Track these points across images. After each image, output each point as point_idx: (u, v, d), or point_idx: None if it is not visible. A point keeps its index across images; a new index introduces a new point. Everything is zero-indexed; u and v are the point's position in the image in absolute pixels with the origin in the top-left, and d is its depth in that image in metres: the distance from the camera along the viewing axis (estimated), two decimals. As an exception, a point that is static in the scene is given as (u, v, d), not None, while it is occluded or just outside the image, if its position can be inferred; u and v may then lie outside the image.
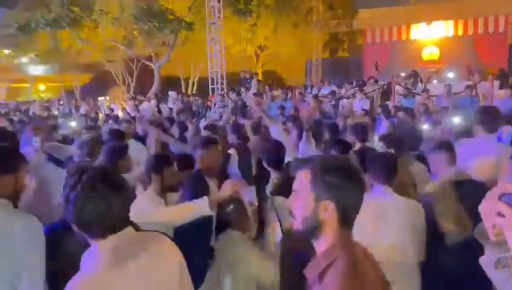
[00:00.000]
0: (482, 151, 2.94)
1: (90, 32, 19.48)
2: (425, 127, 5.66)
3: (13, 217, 2.01)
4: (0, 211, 2.00)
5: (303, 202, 1.39)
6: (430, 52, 19.20)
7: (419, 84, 13.17)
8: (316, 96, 11.23)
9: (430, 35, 19.37)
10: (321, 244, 1.39)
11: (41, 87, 33.31)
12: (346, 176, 1.37)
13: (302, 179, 1.40)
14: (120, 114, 13.30)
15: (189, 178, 3.18)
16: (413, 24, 19.63)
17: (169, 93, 16.84)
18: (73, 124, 7.38)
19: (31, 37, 20.08)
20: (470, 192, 2.60)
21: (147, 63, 23.35)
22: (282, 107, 10.26)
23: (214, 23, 17.27)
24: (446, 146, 3.11)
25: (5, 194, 2.05)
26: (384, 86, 12.85)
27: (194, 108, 14.03)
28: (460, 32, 18.92)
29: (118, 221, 1.53)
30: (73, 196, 1.47)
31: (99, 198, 1.47)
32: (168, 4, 19.23)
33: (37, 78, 30.08)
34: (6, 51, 22.84)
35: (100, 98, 19.60)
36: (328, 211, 1.35)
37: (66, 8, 17.79)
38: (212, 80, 17.99)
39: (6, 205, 2.04)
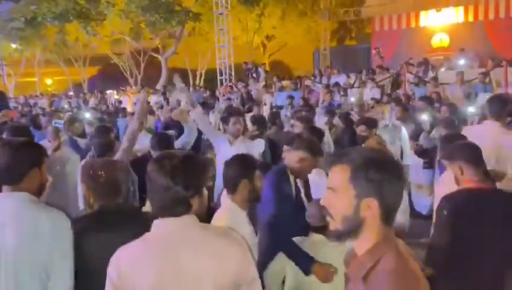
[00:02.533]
0: (478, 138, 2.85)
1: (97, 25, 19.42)
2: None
3: (43, 212, 2.01)
4: (30, 206, 2.00)
5: (343, 201, 1.30)
6: (440, 39, 18.89)
7: (430, 72, 13.00)
8: (327, 86, 11.12)
9: (440, 22, 19.04)
10: (363, 243, 1.32)
11: (49, 81, 33.43)
12: (388, 170, 1.29)
13: (340, 176, 1.32)
14: (129, 107, 13.31)
15: (276, 175, 2.97)
16: (422, 11, 19.30)
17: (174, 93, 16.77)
18: (87, 115, 7.40)
19: (38, 30, 20.07)
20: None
21: (154, 55, 23.29)
22: (291, 97, 10.21)
23: (221, 13, 17.15)
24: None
25: (31, 187, 2.05)
26: (395, 75, 12.70)
27: (201, 100, 14.01)
28: (470, 18, 18.57)
29: (174, 206, 1.59)
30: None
31: (150, 180, 1.60)
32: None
33: (44, 72, 30.18)
34: (13, 45, 22.86)
35: (108, 91, 19.62)
36: (371, 209, 1.28)
37: (73, 0, 17.72)
38: (220, 71, 17.91)
39: (35, 201, 2.04)
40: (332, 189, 1.33)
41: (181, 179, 1.58)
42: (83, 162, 4.11)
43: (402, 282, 1.21)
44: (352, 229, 1.31)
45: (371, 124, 4.69)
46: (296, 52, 26.73)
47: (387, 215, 1.30)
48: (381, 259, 1.27)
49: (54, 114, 5.93)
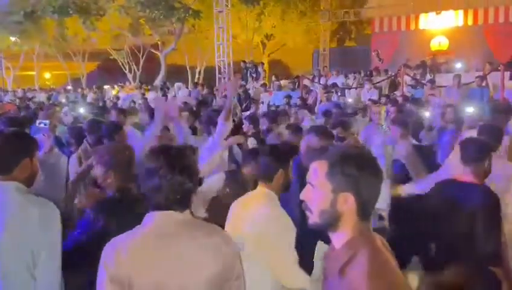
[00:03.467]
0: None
1: (96, 20, 19.39)
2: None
3: (31, 202, 2.02)
4: (18, 196, 2.01)
5: (320, 195, 1.33)
6: (439, 42, 18.94)
7: (428, 74, 13.05)
8: (325, 86, 11.14)
9: (440, 25, 19.10)
10: (340, 237, 1.35)
11: (47, 75, 33.34)
12: (365, 166, 1.32)
13: (318, 171, 1.35)
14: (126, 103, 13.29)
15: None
16: (422, 13, 19.36)
17: (176, 84, 16.77)
18: (81, 110, 7.39)
19: (37, 24, 20.03)
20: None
21: (154, 51, 23.26)
22: (289, 96, 10.22)
23: (221, 11, 17.13)
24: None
25: (21, 177, 2.06)
26: (393, 76, 12.75)
27: (199, 97, 14.00)
28: (470, 22, 18.64)
29: (176, 199, 1.62)
30: (145, 171, 1.63)
31: (157, 173, 1.60)
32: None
33: (43, 65, 30.10)
34: (12, 38, 22.79)
35: (105, 86, 19.59)
36: (348, 203, 1.31)
37: (73, -5, 17.70)
38: (219, 68, 17.90)
39: (23, 189, 2.05)
40: (311, 184, 1.37)
41: (188, 173, 1.63)
42: (75, 155, 4.12)
43: (377, 278, 1.22)
44: (330, 223, 1.34)
45: (347, 125, 4.73)
46: (296, 52, 26.74)
47: (364, 210, 1.33)
48: (357, 254, 1.28)
49: (51, 108, 5.91)
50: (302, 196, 1.39)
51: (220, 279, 1.61)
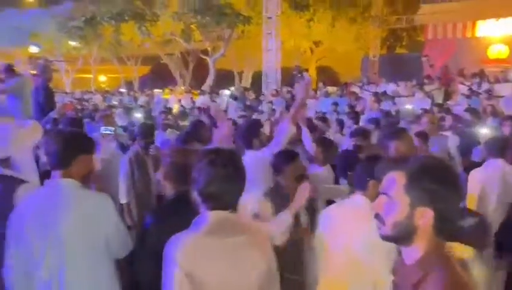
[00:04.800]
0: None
1: (150, 26, 20.12)
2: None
3: (89, 196, 2.18)
4: (76, 190, 2.15)
5: (395, 207, 1.28)
6: (498, 50, 18.07)
7: (485, 84, 12.46)
8: (375, 94, 10.90)
9: (498, 32, 18.21)
10: (412, 252, 1.30)
11: (102, 78, 34.91)
12: (445, 179, 1.26)
13: (395, 182, 1.30)
14: (176, 107, 13.67)
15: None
16: (479, 20, 18.55)
17: (220, 91, 17.00)
18: (137, 115, 7.69)
19: (95, 29, 21.07)
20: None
21: (203, 56, 23.76)
22: (336, 104, 10.06)
23: (271, 17, 17.24)
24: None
25: (79, 174, 2.19)
26: (447, 85, 12.28)
27: (247, 102, 14.13)
28: (532, 29, 17.66)
29: (233, 200, 1.72)
30: (205, 172, 1.69)
31: (225, 177, 1.68)
32: (226, -2, 19.45)
33: (99, 69, 31.54)
34: (72, 43, 24.10)
35: (156, 90, 20.22)
36: (425, 218, 1.25)
37: (129, 1, 18.47)
38: (267, 74, 18.00)
39: (80, 186, 2.18)
40: (386, 194, 1.32)
41: (243, 174, 1.74)
42: (127, 156, 4.26)
43: None
44: (403, 237, 1.30)
45: (366, 134, 4.60)
46: (344, 58, 26.36)
47: (441, 226, 1.27)
48: (431, 273, 1.23)
49: (108, 111, 6.22)
50: (375, 207, 1.35)
51: (266, 277, 1.69)
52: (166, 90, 19.31)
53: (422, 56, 15.94)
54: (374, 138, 5.54)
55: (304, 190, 2.60)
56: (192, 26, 20.27)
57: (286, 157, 2.90)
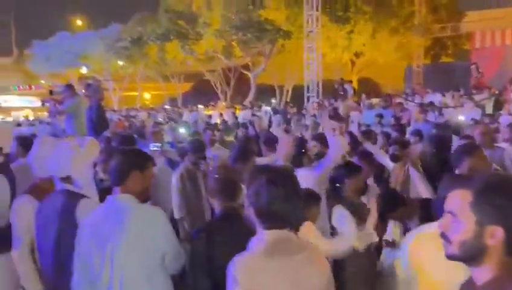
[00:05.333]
0: None
1: (193, 44, 20.72)
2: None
3: (143, 210, 2.29)
4: (133, 205, 2.26)
5: (462, 226, 1.25)
6: (553, 56, 17.20)
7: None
8: (421, 105, 10.60)
9: (553, 38, 17.36)
10: (483, 273, 1.25)
11: (147, 95, 36.15)
12: None
13: (460, 200, 1.27)
14: (218, 121, 13.91)
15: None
16: (530, 26, 17.79)
17: (263, 108, 17.11)
18: (182, 130, 7.88)
19: (141, 49, 21.95)
20: None
21: (244, 72, 24.12)
22: (380, 115, 9.86)
23: (311, 31, 17.29)
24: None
25: (135, 189, 2.30)
26: (497, 95, 11.79)
27: (288, 116, 14.14)
28: None
29: (293, 220, 1.71)
30: (265, 191, 1.68)
31: (286, 196, 1.68)
32: (266, 14, 19.72)
33: (144, 86, 32.71)
34: (120, 63, 25.22)
35: (199, 106, 20.68)
36: (496, 238, 1.21)
37: (173, 22, 19.13)
38: (308, 87, 17.99)
39: (135, 201, 2.28)
40: (451, 213, 1.29)
41: (301, 192, 1.76)
42: (178, 172, 4.36)
43: None
44: (471, 257, 1.25)
45: (404, 144, 4.52)
46: (386, 69, 25.92)
47: None
48: None
49: (156, 128, 6.46)
50: (440, 227, 1.33)
51: None
52: (209, 106, 19.70)
53: (471, 64, 15.42)
54: (417, 149, 5.40)
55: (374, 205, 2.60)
56: (233, 42, 20.68)
57: (349, 171, 2.91)
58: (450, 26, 20.42)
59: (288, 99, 22.43)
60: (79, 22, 36.86)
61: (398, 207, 3.13)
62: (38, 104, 28.74)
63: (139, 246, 2.19)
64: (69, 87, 7.00)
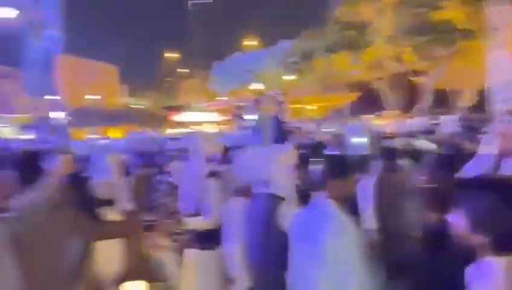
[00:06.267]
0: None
1: (362, 53, 20.48)
2: None
3: (341, 215, 2.38)
4: (335, 209, 2.38)
5: None
6: None
7: None
8: None
9: None
10: None
11: (311, 107, 37.00)
12: None
13: None
14: (390, 131, 13.30)
15: None
16: None
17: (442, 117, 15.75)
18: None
19: (310, 63, 22.66)
20: None
21: (414, 78, 22.72)
22: None
23: (497, 28, 15.31)
24: None
25: (336, 195, 2.40)
26: None
27: (466, 122, 12.70)
28: None
29: None
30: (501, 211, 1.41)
31: None
32: (443, 15, 18.26)
33: (309, 98, 33.56)
34: (288, 77, 26.48)
35: (367, 116, 20.19)
36: None
37: (342, 33, 19.26)
38: (494, 91, 15.90)
39: (335, 205, 2.39)
40: None
41: None
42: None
43: None
44: None
45: None
46: None
47: None
48: None
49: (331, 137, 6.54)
50: None
51: None
52: (376, 115, 19.10)
53: None
54: None
55: None
56: (405, 48, 19.72)
57: None
58: None
59: (469, 105, 20.29)
60: (251, 42, 40.22)
61: None
62: (218, 118, 32.19)
63: (340, 247, 2.27)
64: (254, 101, 7.60)
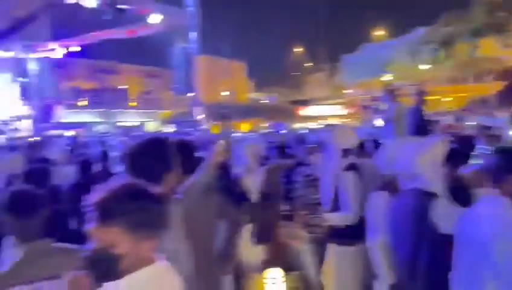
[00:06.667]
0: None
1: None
2: None
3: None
4: (500, 206, 2.23)
5: None
6: None
7: None
8: None
9: None
10: None
11: (447, 98, 33.87)
12: None
13: None
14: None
15: None
16: None
17: None
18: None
19: (449, 50, 20.78)
20: None
21: None
22: None
23: None
24: None
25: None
26: None
27: None
28: None
29: None
30: None
31: None
32: None
33: (446, 89, 30.76)
34: (423, 66, 24.63)
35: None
36: None
37: (490, 14, 17.29)
38: None
39: (506, 201, 2.23)
40: None
41: None
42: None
43: None
44: None
45: None
46: None
47: None
48: None
49: (488, 130, 5.88)
50: None
51: None
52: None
53: None
54: None
55: None
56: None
57: None
58: None
59: None
60: (380, 32, 38.50)
61: None
62: (344, 112, 31.55)
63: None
64: (389, 92, 7.21)
